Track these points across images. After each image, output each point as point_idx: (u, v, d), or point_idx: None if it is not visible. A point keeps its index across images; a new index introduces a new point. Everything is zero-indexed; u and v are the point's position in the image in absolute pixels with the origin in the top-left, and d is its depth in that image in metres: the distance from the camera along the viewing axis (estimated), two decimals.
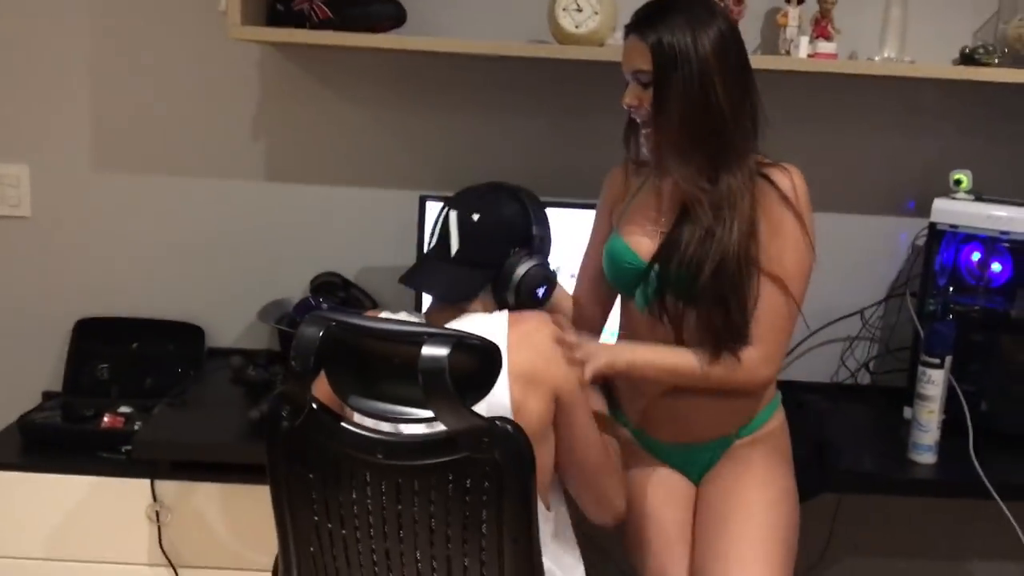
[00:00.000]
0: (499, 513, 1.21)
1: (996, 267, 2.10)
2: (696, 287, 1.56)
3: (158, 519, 1.94)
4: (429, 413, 1.20)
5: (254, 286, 2.31)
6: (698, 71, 1.54)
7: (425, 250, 1.65)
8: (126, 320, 2.31)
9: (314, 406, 1.27)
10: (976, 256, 2.11)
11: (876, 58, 2.08)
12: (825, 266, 2.27)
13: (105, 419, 2.05)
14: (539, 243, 1.57)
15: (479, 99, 2.25)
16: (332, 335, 1.23)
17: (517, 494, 1.20)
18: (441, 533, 1.23)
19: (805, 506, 1.73)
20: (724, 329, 1.57)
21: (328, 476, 1.28)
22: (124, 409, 2.11)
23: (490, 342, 1.24)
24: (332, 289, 2.27)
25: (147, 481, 1.93)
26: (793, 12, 2.07)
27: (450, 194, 2.15)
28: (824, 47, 2.04)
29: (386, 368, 1.25)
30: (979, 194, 2.09)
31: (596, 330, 1.85)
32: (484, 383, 1.24)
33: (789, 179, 1.62)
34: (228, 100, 2.25)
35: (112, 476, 1.95)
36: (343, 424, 1.26)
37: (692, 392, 1.64)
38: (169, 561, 1.95)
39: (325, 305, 2.16)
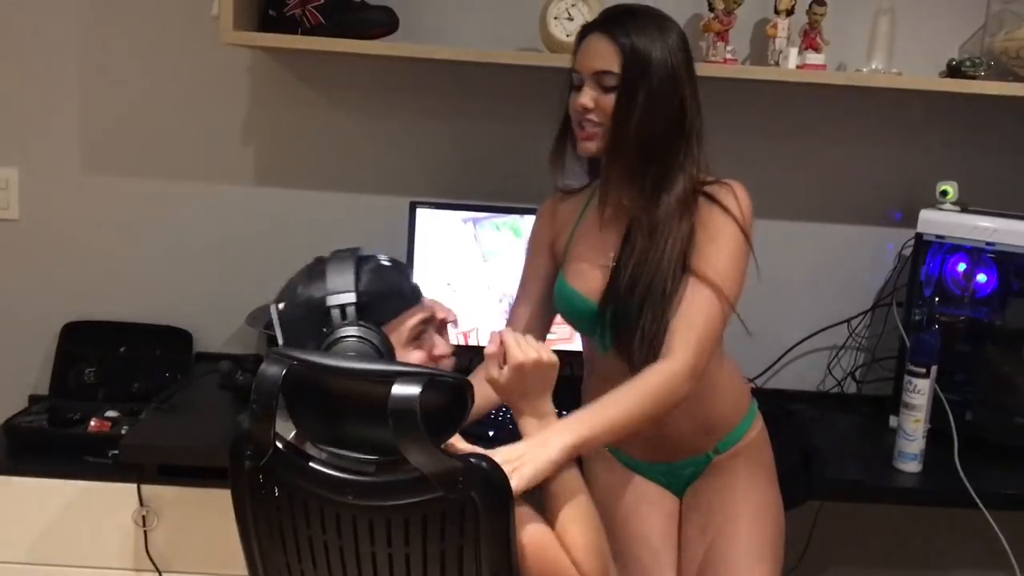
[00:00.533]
0: (477, 551, 1.17)
1: (981, 278, 2.11)
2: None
3: (144, 524, 1.93)
4: (395, 457, 1.14)
5: (243, 291, 2.30)
6: (668, 80, 1.50)
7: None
8: (114, 324, 2.30)
9: (279, 446, 1.23)
10: (962, 267, 2.13)
11: (864, 69, 2.10)
12: (812, 276, 2.33)
13: (92, 423, 2.04)
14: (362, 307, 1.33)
15: (471, 106, 2.25)
16: (295, 374, 1.18)
17: (495, 531, 1.17)
18: (418, 573, 1.20)
19: (790, 514, 1.74)
20: (653, 340, 1.51)
21: (297, 515, 1.24)
22: (111, 413, 2.10)
23: (461, 378, 1.19)
24: None
25: (134, 485, 1.92)
26: (782, 23, 2.09)
27: (442, 200, 2.19)
28: (813, 58, 2.06)
29: (353, 408, 1.20)
30: (965, 205, 2.11)
31: None
32: (454, 421, 1.19)
33: (732, 194, 1.57)
34: (219, 105, 2.25)
35: (99, 480, 1.94)
36: (311, 464, 1.21)
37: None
38: (155, 566, 1.94)
39: None
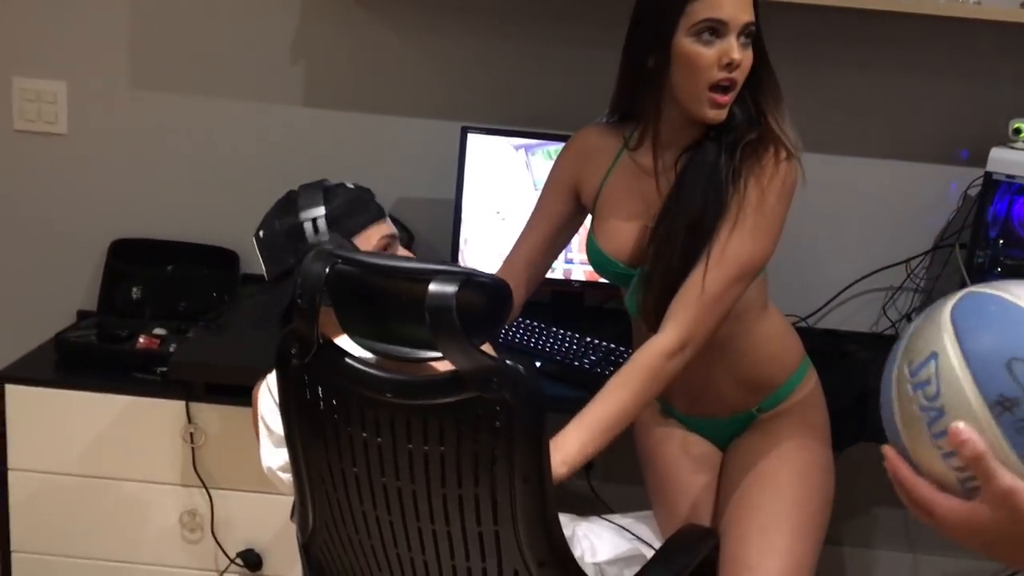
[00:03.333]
0: (510, 452, 1.18)
1: None
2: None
3: (192, 441, 1.95)
4: (437, 353, 1.16)
5: None
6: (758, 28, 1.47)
7: None
8: (161, 242, 2.30)
9: (321, 343, 1.24)
10: None
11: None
12: (872, 214, 2.26)
13: (140, 340, 2.06)
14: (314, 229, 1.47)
15: (526, 28, 2.18)
16: (338, 272, 1.20)
17: (528, 434, 1.17)
18: (452, 472, 1.21)
19: (842, 455, 1.72)
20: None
21: (338, 414, 1.26)
22: (159, 331, 2.11)
23: (501, 280, 1.20)
24: None
25: (182, 403, 1.94)
26: None
27: (493, 126, 2.14)
28: None
29: (393, 306, 1.22)
30: None
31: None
32: (495, 322, 1.21)
33: (779, 171, 1.45)
34: (268, 22, 2.21)
35: (147, 396, 1.96)
36: (351, 362, 1.23)
37: (702, 369, 1.54)
38: (203, 482, 1.97)
39: None
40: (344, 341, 1.27)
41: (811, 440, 1.61)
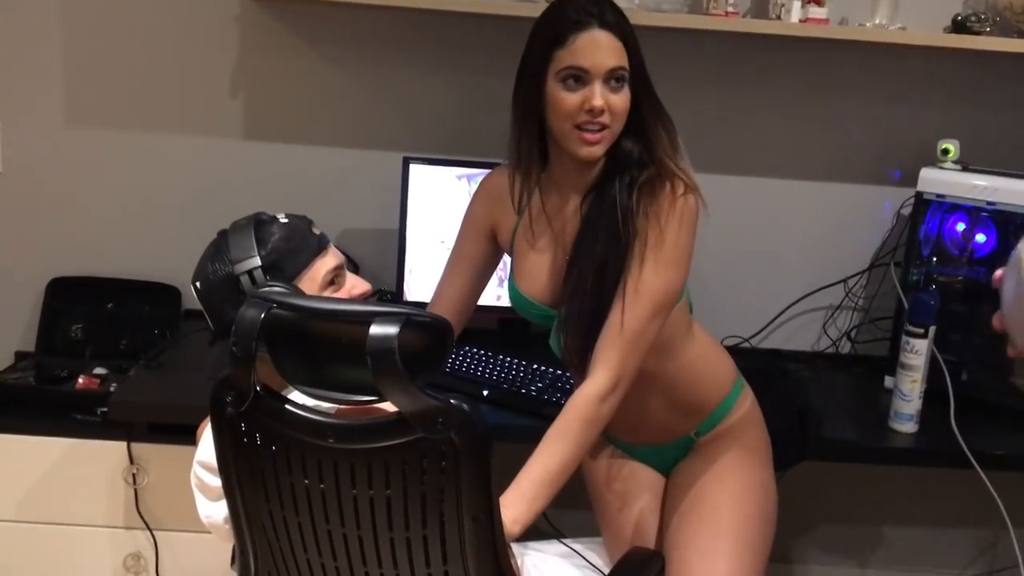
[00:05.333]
0: (458, 492, 1.16)
1: (980, 238, 2.10)
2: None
3: (135, 482, 1.92)
4: (379, 396, 1.14)
5: None
6: (644, 65, 1.48)
7: None
8: (101, 280, 2.26)
9: (259, 391, 1.21)
10: (961, 226, 2.11)
11: (867, 24, 2.06)
12: (809, 234, 2.30)
13: (80, 380, 2.02)
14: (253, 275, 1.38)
15: (466, 59, 2.20)
16: (274, 317, 1.17)
17: (475, 473, 1.16)
18: (399, 515, 1.19)
19: (785, 475, 1.74)
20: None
21: (278, 461, 1.23)
22: (99, 370, 2.08)
23: (441, 319, 1.19)
24: None
25: (123, 443, 1.90)
26: None
27: (435, 156, 2.15)
28: (815, 12, 2.01)
29: (333, 350, 1.19)
30: (966, 164, 2.09)
31: None
32: (436, 362, 1.18)
33: (677, 202, 1.46)
34: (206, 55, 2.19)
35: (88, 438, 1.92)
36: (290, 409, 1.20)
37: (637, 400, 1.55)
38: (146, 524, 1.93)
39: None
40: (288, 390, 1.25)
41: (749, 460, 1.62)
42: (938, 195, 2.07)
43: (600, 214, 1.48)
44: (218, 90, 2.21)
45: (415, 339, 1.12)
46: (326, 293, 1.43)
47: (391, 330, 1.09)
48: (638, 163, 1.49)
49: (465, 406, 1.14)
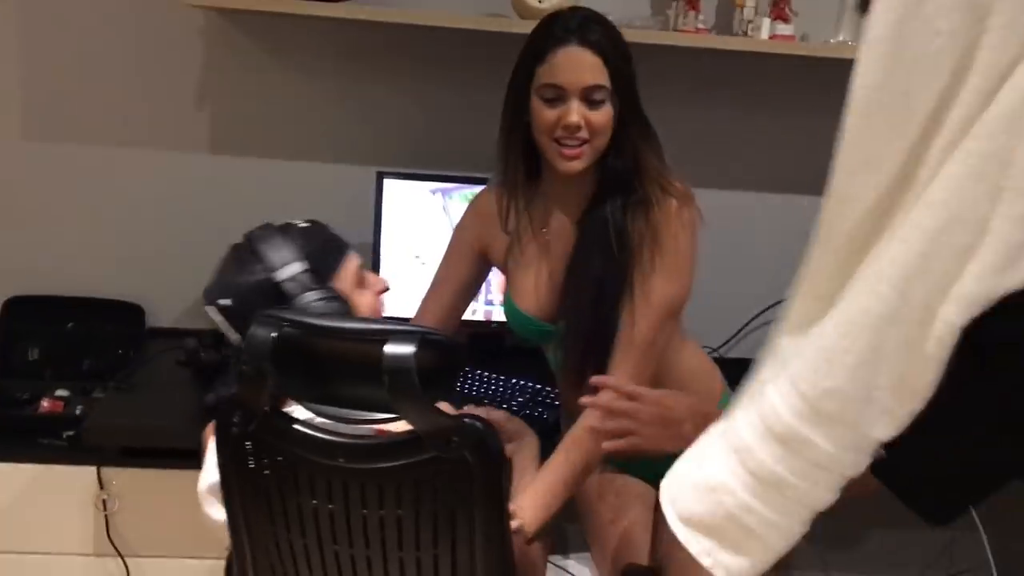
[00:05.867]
0: (470, 511, 1.16)
1: None
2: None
3: (105, 508, 1.86)
4: (391, 414, 1.14)
5: (197, 264, 2.18)
6: (634, 87, 1.51)
7: None
8: (59, 298, 2.19)
9: (267, 411, 1.20)
10: None
11: (832, 40, 2.11)
12: (778, 245, 2.34)
13: (44, 403, 1.95)
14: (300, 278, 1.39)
15: (439, 73, 2.19)
16: (285, 335, 1.15)
17: (488, 492, 1.16)
18: (410, 535, 1.19)
19: None
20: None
21: (285, 482, 1.22)
22: (61, 392, 2.01)
23: (453, 338, 1.20)
24: None
25: (92, 468, 1.85)
26: None
27: (409, 171, 2.13)
28: (782, 29, 2.06)
29: (344, 368, 1.19)
30: None
31: None
32: (449, 380, 1.21)
33: (677, 211, 1.51)
34: (170, 67, 2.14)
35: (54, 463, 1.86)
36: (300, 428, 1.19)
37: None
38: (118, 551, 1.87)
39: None
40: (293, 408, 1.23)
41: None
42: None
43: (595, 235, 1.51)
44: (183, 103, 2.17)
45: (429, 358, 1.12)
46: (357, 292, 1.44)
47: (408, 349, 1.09)
48: (627, 182, 1.51)
49: (479, 424, 1.14)
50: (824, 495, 0.87)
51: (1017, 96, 0.76)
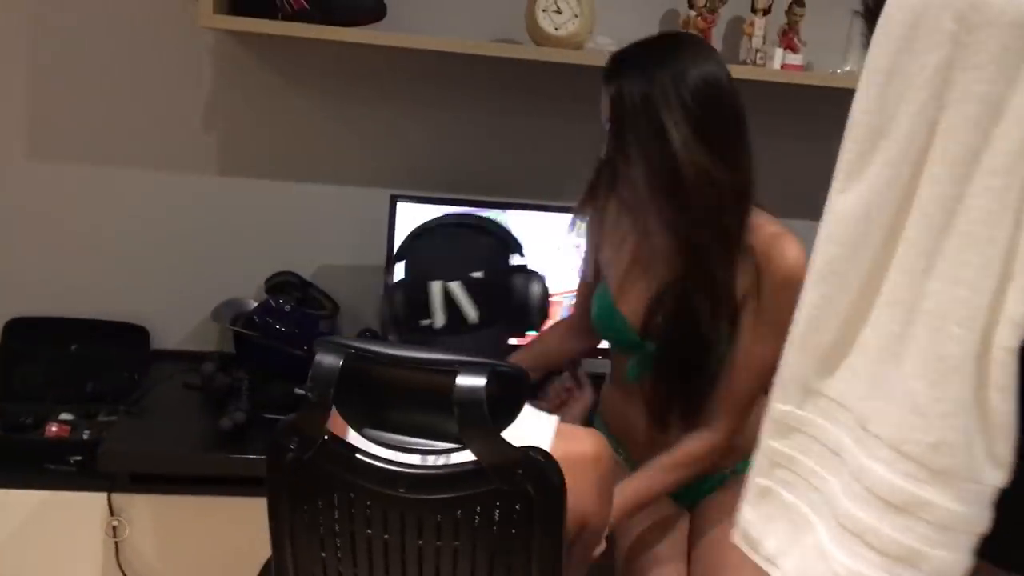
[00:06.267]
0: (528, 544, 1.17)
1: None
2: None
3: (115, 534, 1.83)
4: (452, 444, 1.15)
5: (202, 285, 2.21)
6: (652, 120, 1.44)
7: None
8: (62, 320, 2.16)
9: (326, 438, 1.20)
10: None
11: (838, 70, 2.15)
12: None
13: (51, 428, 1.92)
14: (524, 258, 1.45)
15: (454, 97, 2.19)
16: (352, 363, 1.16)
17: (548, 527, 1.17)
18: (465, 567, 1.19)
19: None
20: (686, 402, 1.57)
21: (340, 510, 1.21)
22: (66, 416, 1.98)
23: (520, 368, 1.20)
24: (288, 289, 2.18)
25: (102, 495, 1.82)
26: (759, 22, 2.12)
27: (423, 194, 2.13)
28: (791, 59, 2.09)
29: (410, 398, 1.19)
30: None
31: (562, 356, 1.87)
32: (513, 411, 1.19)
33: (786, 253, 1.48)
34: (178, 88, 2.13)
35: (63, 490, 1.83)
36: (361, 457, 1.19)
37: (682, 435, 1.59)
38: None
39: (287, 307, 2.07)
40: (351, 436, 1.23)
41: None
42: None
43: (698, 276, 1.51)
44: (191, 124, 2.15)
45: (497, 389, 1.13)
46: None
47: (479, 381, 1.10)
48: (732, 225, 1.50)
49: (541, 457, 1.15)
50: (962, 559, 0.84)
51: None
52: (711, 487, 1.70)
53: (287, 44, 2.10)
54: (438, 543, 1.18)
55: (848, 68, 2.14)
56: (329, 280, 2.22)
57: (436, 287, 1.34)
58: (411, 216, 2.08)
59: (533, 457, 1.14)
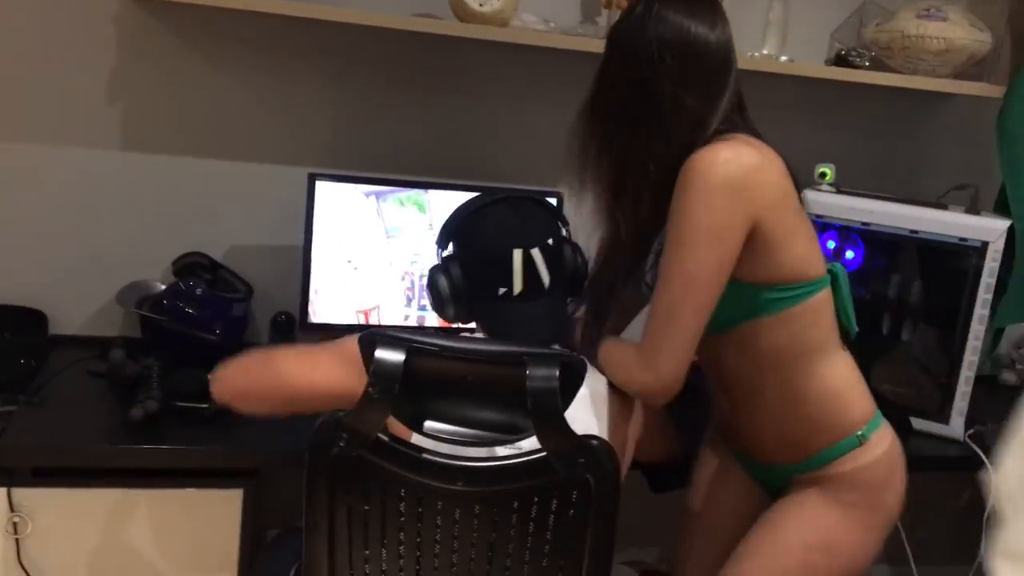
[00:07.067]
0: (583, 533, 1.18)
1: (849, 254, 2.26)
2: None
3: (16, 531, 1.72)
4: (514, 435, 1.17)
5: (105, 267, 2.10)
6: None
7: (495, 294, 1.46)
8: None
9: (381, 436, 1.17)
10: (832, 244, 2.26)
11: (756, 54, 2.17)
12: None
13: None
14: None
15: (375, 73, 2.13)
16: (415, 358, 1.14)
17: (603, 513, 1.18)
18: (518, 559, 1.19)
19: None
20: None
21: (389, 505, 1.19)
22: None
23: (579, 357, 1.22)
24: (198, 271, 2.09)
25: (3, 490, 1.70)
26: None
27: (343, 172, 2.06)
28: None
29: (475, 391, 1.19)
30: (839, 186, 2.24)
31: None
32: (571, 397, 1.20)
33: (691, 169, 1.39)
34: (79, 58, 2.00)
35: None
36: (418, 453, 1.17)
37: (744, 408, 1.55)
38: None
39: (198, 289, 1.99)
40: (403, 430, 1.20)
41: (839, 517, 1.50)
42: (818, 215, 2.21)
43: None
44: (92, 97, 2.03)
45: (566, 378, 1.15)
46: None
47: (552, 372, 1.10)
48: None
49: (596, 442, 1.16)
50: None
51: None
52: (777, 481, 1.59)
53: (198, 13, 2.00)
54: (492, 535, 1.17)
55: (765, 52, 2.16)
56: (242, 262, 2.13)
57: (519, 253, 1.41)
58: (330, 196, 2.01)
59: (596, 445, 1.15)
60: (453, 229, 1.50)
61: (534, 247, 1.43)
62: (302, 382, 1.44)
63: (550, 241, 1.47)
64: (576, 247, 1.54)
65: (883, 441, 1.52)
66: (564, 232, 1.54)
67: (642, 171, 1.43)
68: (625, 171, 1.46)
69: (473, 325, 1.53)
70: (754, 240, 1.41)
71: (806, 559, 1.49)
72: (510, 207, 1.49)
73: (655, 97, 1.43)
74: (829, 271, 1.52)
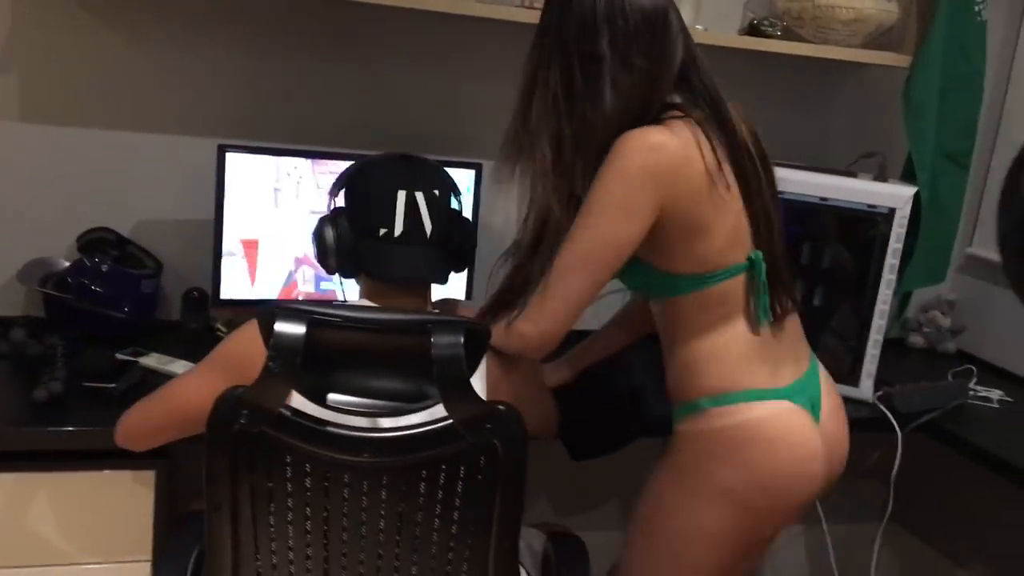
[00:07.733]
0: (491, 500, 1.19)
1: None
2: None
3: None
4: (418, 404, 1.17)
5: (3, 243, 2.02)
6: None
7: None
8: None
9: (282, 410, 1.15)
10: None
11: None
12: None
13: None
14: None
15: (286, 40, 2.08)
16: (317, 330, 1.12)
17: (512, 477, 1.19)
18: (427, 528, 1.19)
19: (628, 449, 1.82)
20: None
21: (295, 480, 1.17)
22: None
23: (481, 325, 1.24)
24: (104, 246, 2.02)
25: None
26: None
27: (254, 144, 2.01)
28: None
29: (377, 361, 1.18)
30: None
31: None
32: (475, 365, 1.22)
33: (633, 139, 1.42)
34: None
35: None
36: (320, 427, 1.15)
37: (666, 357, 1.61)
38: None
39: (104, 266, 1.92)
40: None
41: (663, 475, 1.58)
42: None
43: None
44: None
45: (470, 346, 1.15)
46: None
47: (457, 339, 1.10)
48: None
49: (509, 410, 1.16)
50: None
51: None
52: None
53: None
54: (401, 506, 1.17)
55: (699, 27, 2.17)
56: (150, 236, 2.07)
57: (402, 194, 1.41)
58: (241, 167, 1.96)
59: (501, 409, 1.15)
60: (343, 178, 1.50)
61: (419, 191, 1.43)
62: (188, 403, 1.39)
63: (436, 192, 1.46)
64: (464, 217, 1.55)
65: (733, 417, 1.50)
66: (456, 202, 1.53)
67: (582, 141, 1.44)
68: (564, 141, 1.45)
69: (353, 284, 1.53)
70: (670, 231, 1.45)
71: (648, 518, 1.59)
72: (404, 159, 1.51)
73: (594, 67, 1.43)
74: (749, 258, 1.53)
